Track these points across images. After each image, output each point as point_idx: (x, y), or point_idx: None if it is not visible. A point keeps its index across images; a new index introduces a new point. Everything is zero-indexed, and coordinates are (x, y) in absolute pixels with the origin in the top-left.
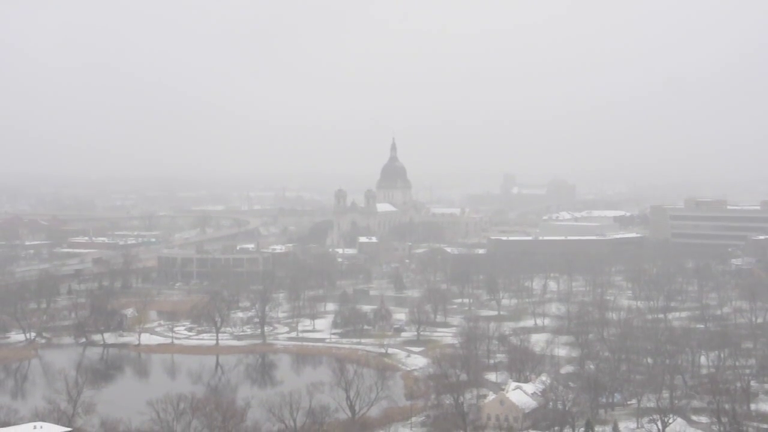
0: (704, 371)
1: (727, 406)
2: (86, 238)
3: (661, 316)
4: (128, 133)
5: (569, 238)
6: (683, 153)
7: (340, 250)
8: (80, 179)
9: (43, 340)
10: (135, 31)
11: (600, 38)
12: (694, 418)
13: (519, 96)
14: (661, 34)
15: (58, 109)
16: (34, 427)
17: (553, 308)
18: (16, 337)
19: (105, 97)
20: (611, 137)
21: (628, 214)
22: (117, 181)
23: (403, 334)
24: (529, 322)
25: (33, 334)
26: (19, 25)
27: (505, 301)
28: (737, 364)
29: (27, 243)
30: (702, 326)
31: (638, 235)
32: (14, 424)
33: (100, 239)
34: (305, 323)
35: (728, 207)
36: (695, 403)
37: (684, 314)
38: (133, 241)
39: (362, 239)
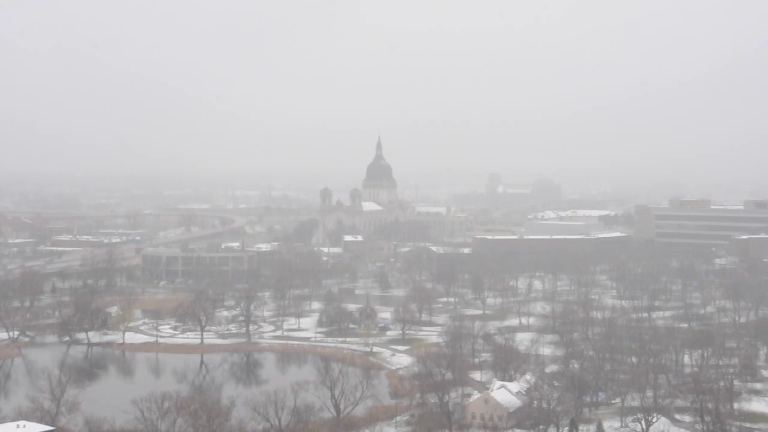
0: (688, 370)
1: (710, 406)
2: (70, 236)
3: (645, 315)
4: (114, 129)
5: (554, 237)
6: (668, 154)
7: (325, 249)
8: (65, 177)
9: (27, 339)
10: (124, 25)
11: (586, 41)
12: (678, 417)
13: (506, 96)
14: (649, 38)
15: (42, 105)
16: (18, 426)
17: (538, 307)
18: None
19: (91, 91)
20: (597, 138)
21: (612, 213)
22: (102, 179)
23: (389, 333)
24: (513, 321)
25: (16, 333)
26: (2, 23)
27: (490, 300)
28: (721, 363)
29: (10, 241)
30: (686, 325)
31: (623, 234)
32: None
33: (85, 237)
34: (290, 322)
35: (712, 207)
36: (679, 402)
37: (668, 313)
38: (118, 240)
39: (348, 238)
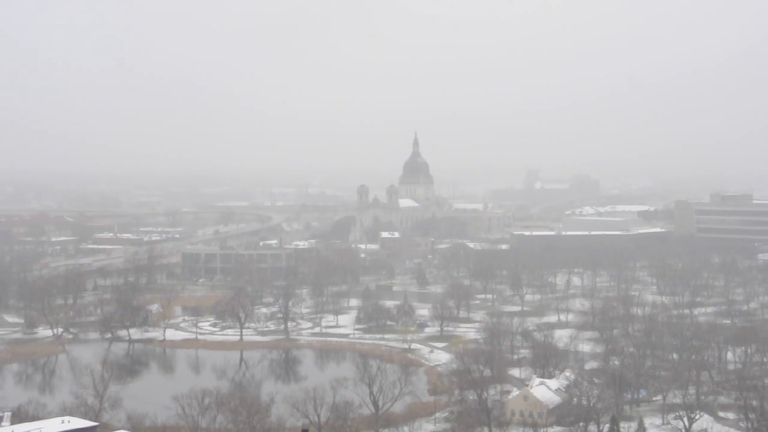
0: (731, 367)
1: (755, 403)
2: (111, 234)
3: (686, 311)
4: (153, 131)
5: (593, 233)
6: (709, 140)
7: (362, 246)
8: (105, 176)
9: (70, 336)
10: (157, 30)
11: (623, 21)
12: (721, 414)
13: (542, 84)
14: (684, 13)
15: (84, 110)
16: (62, 422)
17: (577, 304)
18: (44, 332)
19: (129, 97)
20: (635, 125)
21: (652, 208)
22: (141, 177)
23: (426, 329)
24: (552, 318)
25: (60, 330)
26: (42, 30)
27: (528, 297)
28: (765, 359)
29: (53, 239)
30: (728, 322)
31: (663, 230)
32: (43, 418)
33: (125, 235)
34: (328, 319)
35: (754, 201)
36: (722, 399)
37: (710, 310)
38: (158, 237)
39: (385, 235)
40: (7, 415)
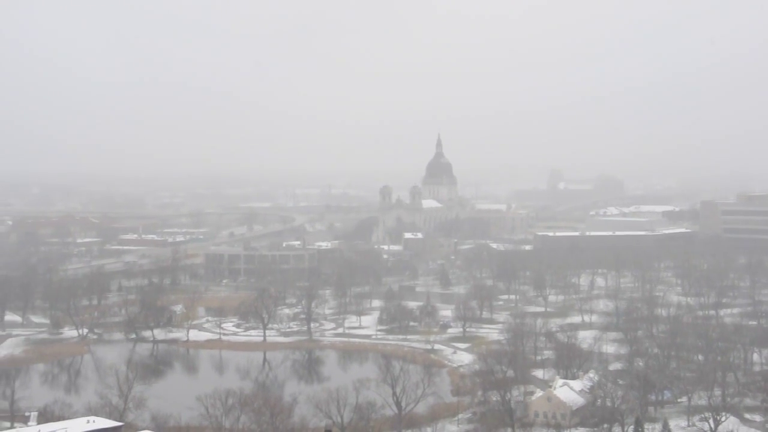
0: (757, 368)
1: None
2: (136, 235)
3: (712, 312)
4: (176, 134)
5: (617, 233)
6: (733, 133)
7: (385, 247)
8: (130, 178)
9: (95, 336)
10: (179, 37)
11: (642, 14)
12: (748, 416)
13: (564, 80)
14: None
15: (109, 115)
16: (87, 422)
17: (601, 304)
18: (69, 332)
19: (153, 102)
20: (658, 122)
21: (677, 209)
22: (165, 179)
23: (449, 330)
24: (576, 319)
25: (85, 330)
26: (68, 41)
27: (551, 298)
28: None
29: (79, 240)
30: (754, 323)
31: (688, 230)
32: (68, 418)
33: (150, 236)
34: (351, 320)
35: None
36: (748, 401)
37: (736, 311)
38: (182, 238)
39: (408, 236)
40: (34, 414)
